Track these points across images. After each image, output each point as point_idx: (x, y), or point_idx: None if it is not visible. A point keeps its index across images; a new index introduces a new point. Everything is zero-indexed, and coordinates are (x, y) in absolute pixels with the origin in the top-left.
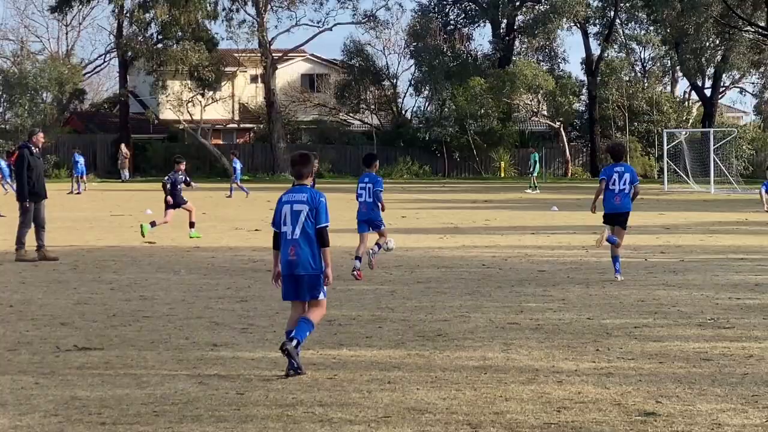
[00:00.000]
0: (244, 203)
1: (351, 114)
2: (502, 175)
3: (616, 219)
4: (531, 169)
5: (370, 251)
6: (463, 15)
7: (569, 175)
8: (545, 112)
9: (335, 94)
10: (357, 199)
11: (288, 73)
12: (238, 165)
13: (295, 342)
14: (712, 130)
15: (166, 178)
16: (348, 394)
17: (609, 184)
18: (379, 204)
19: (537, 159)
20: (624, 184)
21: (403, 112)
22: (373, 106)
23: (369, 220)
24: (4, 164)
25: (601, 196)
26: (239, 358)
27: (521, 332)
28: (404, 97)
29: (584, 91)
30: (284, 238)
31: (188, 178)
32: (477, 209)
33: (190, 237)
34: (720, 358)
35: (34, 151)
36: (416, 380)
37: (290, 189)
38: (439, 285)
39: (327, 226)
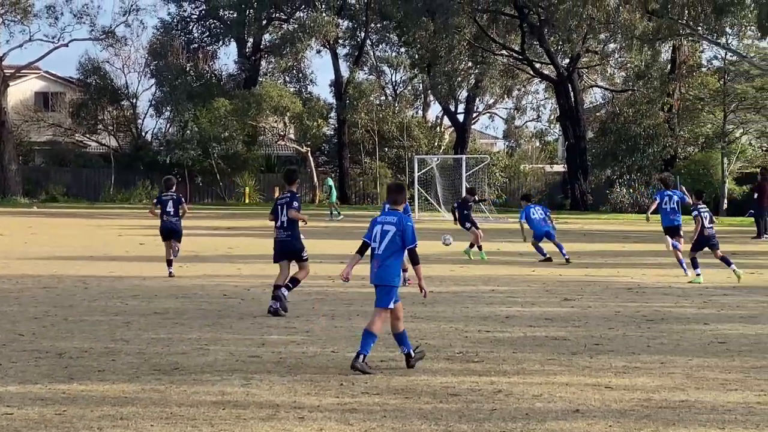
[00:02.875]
0: None
1: (88, 135)
2: (247, 201)
3: (673, 230)
4: (327, 196)
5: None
6: (208, 33)
7: (317, 201)
8: (292, 136)
9: (71, 113)
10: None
11: (21, 91)
12: None
13: (361, 357)
14: (464, 156)
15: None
16: (77, 431)
17: (662, 204)
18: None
19: (332, 184)
20: (673, 203)
21: (143, 133)
22: (111, 127)
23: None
24: None
25: (658, 215)
26: None
27: (262, 366)
28: (144, 118)
29: (333, 114)
30: (373, 253)
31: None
32: (219, 236)
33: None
34: (468, 393)
35: None
36: (150, 416)
37: (384, 212)
38: (177, 316)
39: (416, 246)
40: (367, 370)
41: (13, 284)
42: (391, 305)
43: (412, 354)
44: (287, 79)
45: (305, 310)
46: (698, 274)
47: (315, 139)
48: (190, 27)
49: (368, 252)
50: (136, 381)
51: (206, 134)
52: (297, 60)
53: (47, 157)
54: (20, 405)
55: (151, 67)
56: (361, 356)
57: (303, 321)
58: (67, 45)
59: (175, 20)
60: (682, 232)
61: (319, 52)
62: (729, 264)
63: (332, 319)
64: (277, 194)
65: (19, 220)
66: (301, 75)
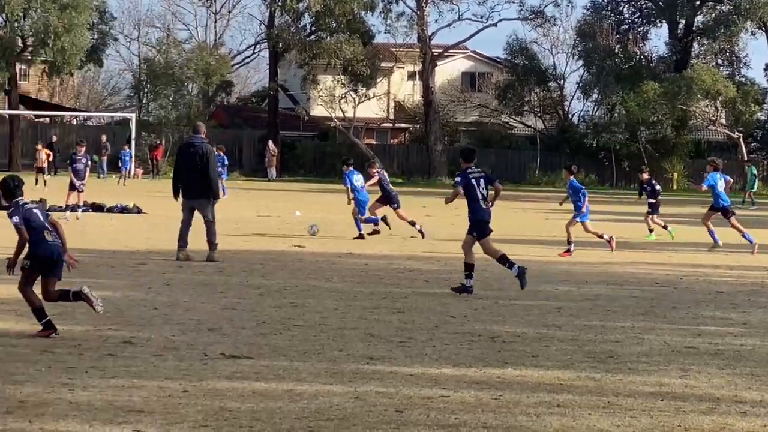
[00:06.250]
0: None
1: (513, 116)
2: (675, 187)
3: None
4: (750, 184)
5: None
6: (639, 14)
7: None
8: (723, 121)
9: (497, 94)
10: None
11: (448, 71)
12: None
13: None
14: None
15: None
16: (514, 416)
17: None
18: None
19: (755, 173)
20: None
21: (570, 116)
22: (537, 109)
23: None
24: (125, 153)
25: None
26: (397, 373)
27: (699, 357)
28: (571, 100)
29: None
30: None
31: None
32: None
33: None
34: None
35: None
36: (587, 404)
37: None
38: (609, 303)
39: None
40: None
41: (442, 265)
42: None
43: None
44: (720, 62)
45: (741, 301)
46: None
47: (747, 124)
48: (621, 7)
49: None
50: (571, 368)
51: (634, 118)
52: (731, 43)
53: (472, 138)
54: (456, 388)
55: (579, 48)
56: None
57: (740, 312)
58: (495, 25)
59: (605, 0)
60: None
61: (753, 34)
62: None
63: None
64: None
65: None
66: (734, 58)
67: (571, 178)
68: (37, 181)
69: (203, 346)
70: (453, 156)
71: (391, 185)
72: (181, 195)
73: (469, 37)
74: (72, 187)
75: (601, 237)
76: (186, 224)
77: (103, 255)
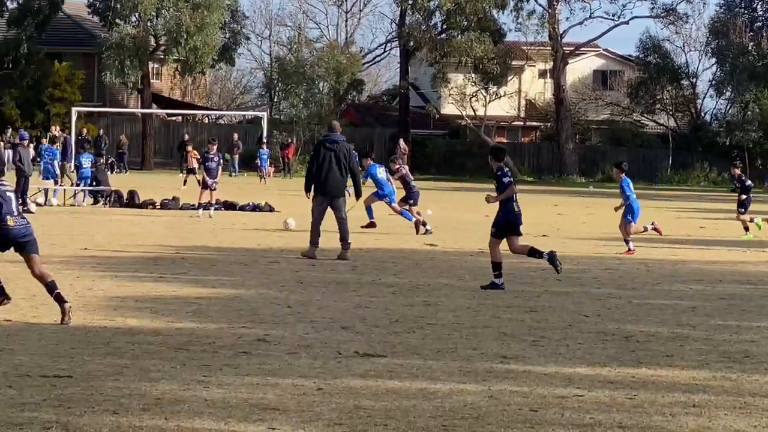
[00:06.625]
0: (530, 207)
1: (645, 115)
2: None
3: None
4: None
5: None
6: None
7: None
8: None
9: (629, 92)
10: None
11: (579, 69)
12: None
13: None
14: None
15: None
16: (649, 416)
17: None
18: None
19: None
20: None
21: (702, 114)
22: (669, 107)
23: None
24: (264, 153)
25: None
26: (531, 372)
27: None
28: (704, 98)
29: None
30: None
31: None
32: None
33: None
34: None
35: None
36: (723, 405)
37: None
38: (744, 303)
39: None
40: None
41: (575, 264)
42: None
43: None
44: None
45: None
46: None
47: None
48: (755, 4)
49: None
50: (706, 368)
51: None
52: None
53: (604, 136)
54: (590, 387)
55: (712, 46)
56: None
57: None
58: (627, 22)
59: None
60: None
61: None
62: None
63: None
64: None
65: (576, 200)
66: None
67: (623, 176)
68: (185, 182)
69: (337, 344)
70: (585, 154)
71: (414, 183)
72: (314, 192)
73: (601, 35)
74: (204, 186)
75: (627, 242)
76: (318, 222)
77: (235, 253)
